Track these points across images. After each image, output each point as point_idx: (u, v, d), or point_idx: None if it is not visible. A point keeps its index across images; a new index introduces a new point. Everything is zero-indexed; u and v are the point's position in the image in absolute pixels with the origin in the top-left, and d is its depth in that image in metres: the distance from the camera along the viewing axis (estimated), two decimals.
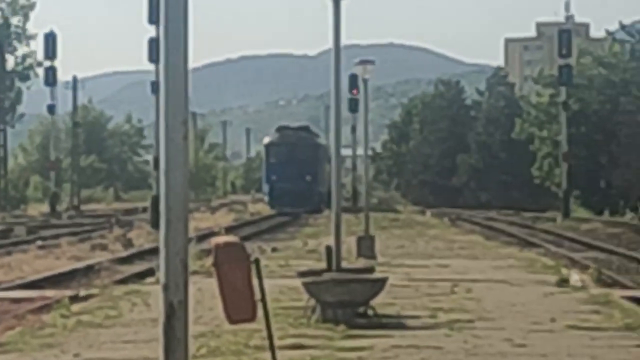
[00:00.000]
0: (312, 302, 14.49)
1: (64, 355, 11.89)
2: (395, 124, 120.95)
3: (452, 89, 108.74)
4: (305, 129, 69.98)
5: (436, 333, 13.05)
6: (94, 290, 20.51)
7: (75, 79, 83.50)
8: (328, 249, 17.62)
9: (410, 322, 14.56)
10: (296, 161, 58.27)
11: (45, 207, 69.76)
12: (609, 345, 11.96)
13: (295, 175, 56.97)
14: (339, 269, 16.52)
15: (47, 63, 70.64)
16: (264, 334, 9.53)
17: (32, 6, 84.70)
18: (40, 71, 76.56)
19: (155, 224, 36.92)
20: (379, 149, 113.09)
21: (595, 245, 36.77)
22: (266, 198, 63.59)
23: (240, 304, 7.50)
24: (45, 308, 17.85)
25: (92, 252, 32.26)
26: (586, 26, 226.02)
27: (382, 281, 15.13)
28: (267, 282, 8.86)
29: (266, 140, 67.60)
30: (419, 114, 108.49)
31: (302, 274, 16.45)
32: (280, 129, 66.62)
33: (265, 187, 63.09)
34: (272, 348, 9.67)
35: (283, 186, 58.17)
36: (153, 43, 45.66)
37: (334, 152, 19.55)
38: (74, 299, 18.78)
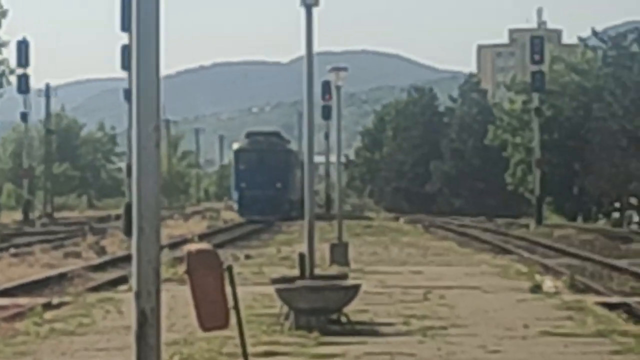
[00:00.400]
0: (285, 309, 14.49)
1: None
2: (369, 130, 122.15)
3: (425, 95, 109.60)
4: (276, 134, 69.11)
5: (410, 340, 13.07)
6: (67, 298, 20.47)
7: (48, 87, 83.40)
8: (301, 256, 17.59)
9: (383, 329, 14.52)
10: (266, 168, 57.23)
11: (18, 215, 69.65)
12: (582, 351, 12.04)
13: (266, 182, 56.09)
14: (312, 276, 16.50)
15: (20, 71, 70.67)
16: (237, 341, 9.60)
17: (4, 13, 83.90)
18: (13, 79, 76.20)
19: (128, 232, 36.93)
20: (352, 156, 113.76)
21: (569, 252, 36.88)
22: (235, 206, 62.47)
23: (214, 311, 7.62)
24: (19, 316, 17.82)
25: (65, 259, 32.26)
26: (558, 33, 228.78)
27: (355, 288, 15.12)
28: (240, 289, 9.01)
29: (235, 146, 66.41)
30: (392, 121, 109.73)
31: (275, 281, 16.42)
32: (250, 135, 65.44)
33: (235, 195, 62.07)
34: (245, 355, 9.85)
35: (253, 193, 57.23)
36: (126, 50, 45.51)
37: (307, 159, 19.60)
38: (47, 306, 18.73)
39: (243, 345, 9.69)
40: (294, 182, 60.79)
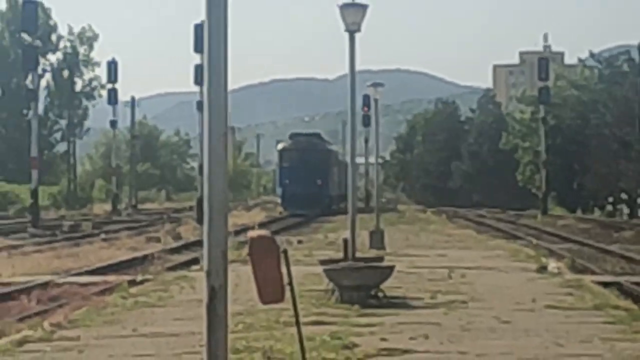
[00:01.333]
0: (331, 286, 14.42)
1: (124, 330, 12.00)
2: (401, 136, 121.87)
3: (448, 107, 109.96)
4: (317, 135, 64.34)
5: (436, 312, 13.04)
6: (149, 276, 20.53)
7: (133, 99, 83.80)
8: (345, 241, 17.51)
9: (414, 303, 14.52)
10: (307, 165, 52.44)
11: (108, 206, 70.25)
12: (581, 322, 12.04)
13: (307, 179, 51.63)
14: (354, 258, 16.41)
15: (110, 85, 71.67)
16: (291, 312, 9.15)
17: (96, 37, 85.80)
18: (104, 92, 78.29)
19: (200, 221, 36.79)
20: (388, 157, 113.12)
21: (569, 238, 36.81)
22: (279, 200, 58.06)
23: (271, 288, 7.40)
24: (108, 290, 17.82)
25: (147, 243, 32.30)
26: (561, 54, 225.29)
27: (390, 268, 15.01)
28: (293, 269, 8.47)
29: (280, 146, 61.23)
30: (421, 128, 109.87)
31: (323, 262, 16.33)
32: (292, 136, 60.89)
33: (279, 190, 57.47)
34: (297, 324, 9.53)
35: (295, 190, 52.48)
36: (198, 68, 45.95)
37: (350, 160, 19.60)
38: (132, 283, 18.77)
39: (296, 315, 9.32)
40: (333, 179, 56.98)
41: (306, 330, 9.56)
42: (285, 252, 8.15)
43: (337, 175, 56.50)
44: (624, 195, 68.30)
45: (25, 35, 47.31)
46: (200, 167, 45.12)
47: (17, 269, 22.47)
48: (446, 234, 37.09)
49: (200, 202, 42.47)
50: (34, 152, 45.89)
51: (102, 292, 17.83)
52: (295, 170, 53.07)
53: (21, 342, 10.67)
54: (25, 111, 72.76)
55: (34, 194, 44.84)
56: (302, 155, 52.91)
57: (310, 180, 53.02)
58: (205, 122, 3.29)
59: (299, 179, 52.00)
